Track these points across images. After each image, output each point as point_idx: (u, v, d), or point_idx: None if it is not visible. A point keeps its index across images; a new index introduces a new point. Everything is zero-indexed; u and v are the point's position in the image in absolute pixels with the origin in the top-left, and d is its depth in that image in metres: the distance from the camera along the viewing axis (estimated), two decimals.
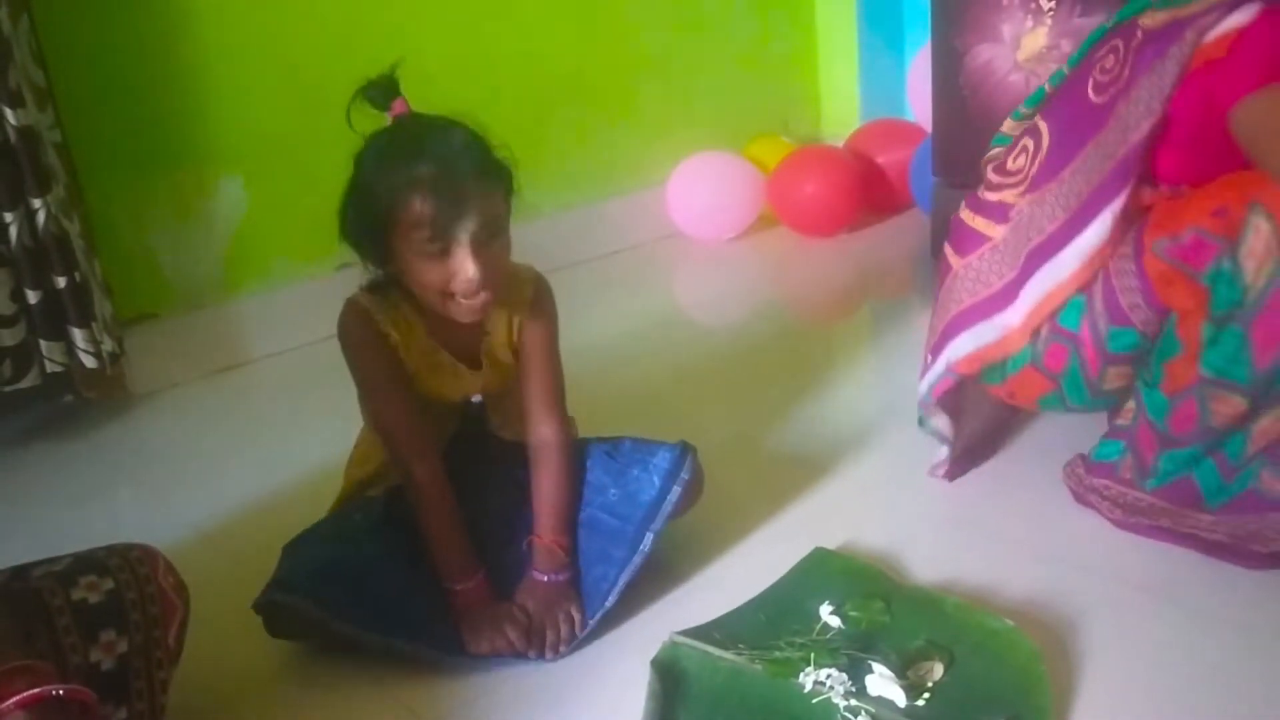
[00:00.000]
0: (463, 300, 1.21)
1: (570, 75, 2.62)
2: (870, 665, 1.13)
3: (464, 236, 1.17)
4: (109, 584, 1.05)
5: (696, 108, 2.88)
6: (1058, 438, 1.59)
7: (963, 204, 1.52)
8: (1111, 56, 1.35)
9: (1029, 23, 2.07)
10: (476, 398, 1.37)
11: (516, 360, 1.35)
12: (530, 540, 1.32)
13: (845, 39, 3.03)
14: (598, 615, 1.27)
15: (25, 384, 1.88)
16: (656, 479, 1.34)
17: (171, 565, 1.12)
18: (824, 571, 1.32)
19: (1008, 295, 1.38)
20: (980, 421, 1.62)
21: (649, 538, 1.30)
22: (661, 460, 1.35)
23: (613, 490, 1.36)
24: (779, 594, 1.29)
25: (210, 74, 2.14)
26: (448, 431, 1.39)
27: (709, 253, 2.76)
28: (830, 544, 1.38)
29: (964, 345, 1.42)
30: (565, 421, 1.37)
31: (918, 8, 2.85)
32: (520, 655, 1.24)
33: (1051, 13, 2.03)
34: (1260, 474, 1.27)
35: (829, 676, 1.11)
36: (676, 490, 1.33)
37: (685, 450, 1.36)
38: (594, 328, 2.24)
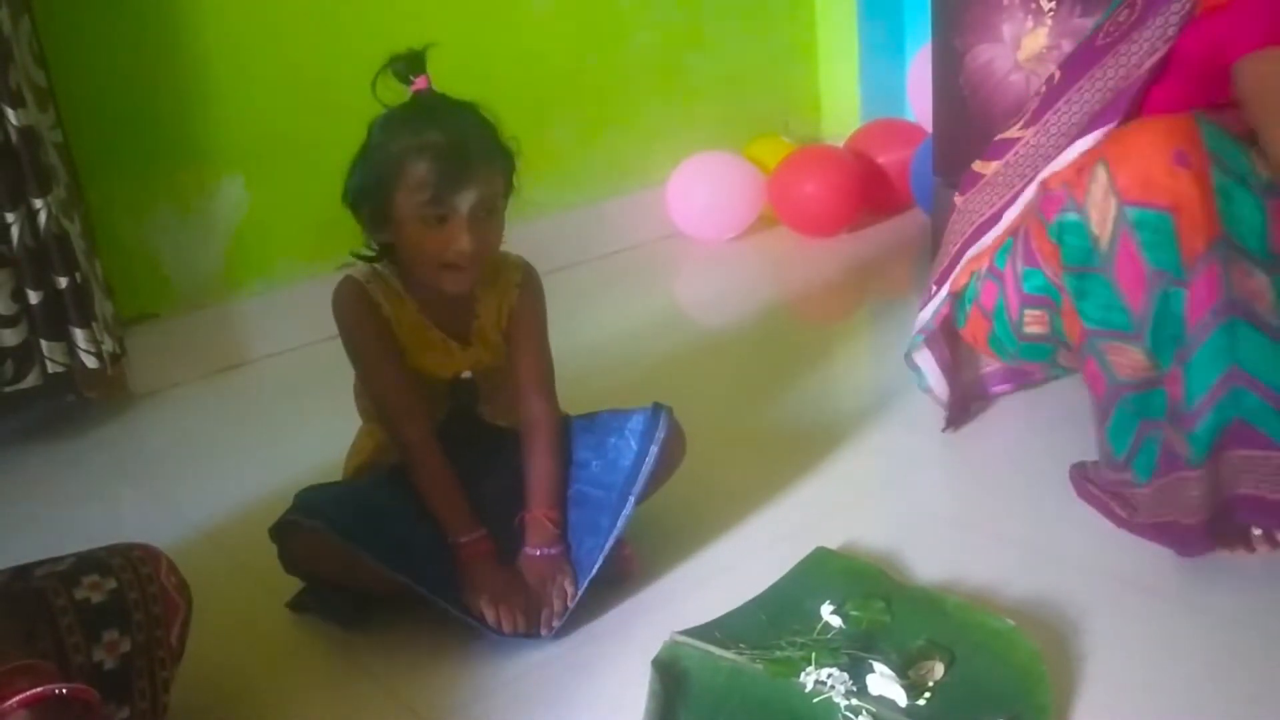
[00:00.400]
0: (454, 271, 1.26)
1: (570, 75, 2.63)
2: (871, 665, 1.13)
3: (463, 207, 1.23)
4: (111, 584, 1.05)
5: (696, 108, 2.88)
6: (1060, 439, 1.59)
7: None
8: (1126, 10, 1.40)
9: (1029, 23, 2.07)
10: (466, 374, 1.40)
11: (506, 343, 1.39)
12: (522, 516, 1.34)
13: (846, 39, 3.03)
14: (585, 582, 1.29)
15: (27, 384, 1.89)
16: (633, 442, 1.36)
17: (174, 565, 1.13)
18: (825, 571, 1.32)
19: (995, 219, 1.47)
20: (972, 372, 1.71)
21: (630, 501, 1.31)
22: (636, 423, 1.37)
23: (595, 462, 1.39)
24: (780, 593, 1.29)
25: (211, 74, 2.14)
26: (439, 412, 1.41)
27: (709, 253, 2.76)
28: (831, 543, 1.38)
29: (963, 263, 1.52)
30: (554, 400, 1.40)
31: (918, 7, 2.85)
32: (517, 633, 1.25)
33: (1052, 13, 2.03)
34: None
35: (830, 676, 1.11)
36: (654, 450, 1.33)
37: (658, 409, 1.37)
38: (594, 328, 2.24)
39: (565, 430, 1.42)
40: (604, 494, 1.36)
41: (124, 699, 1.05)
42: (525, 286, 1.39)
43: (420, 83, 1.27)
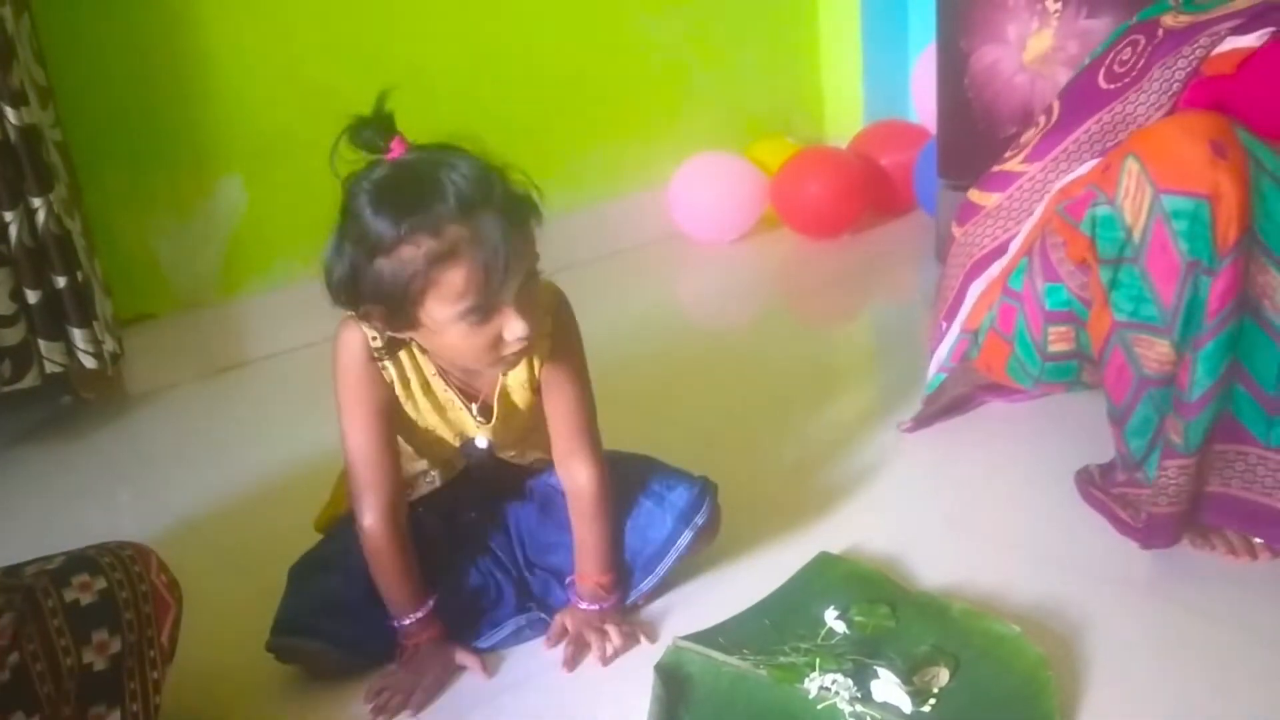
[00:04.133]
0: (510, 357, 1.13)
1: (573, 76, 2.62)
2: (875, 671, 1.12)
3: (509, 296, 1.07)
4: (101, 583, 1.04)
5: (699, 108, 2.87)
6: (1063, 444, 1.58)
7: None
8: (1129, 49, 1.40)
9: (1034, 24, 2.06)
10: (483, 442, 1.26)
11: (538, 396, 1.25)
12: (572, 580, 1.29)
13: (849, 39, 3.02)
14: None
15: (24, 384, 1.88)
16: (669, 519, 1.28)
17: (164, 563, 1.11)
18: (829, 576, 1.31)
19: (1000, 250, 1.49)
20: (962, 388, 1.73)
21: (649, 581, 1.29)
22: (677, 498, 1.29)
23: (624, 522, 1.30)
24: (784, 599, 1.28)
25: (211, 74, 2.13)
26: (454, 468, 1.32)
27: (711, 254, 2.75)
28: (835, 548, 1.37)
29: (971, 298, 1.53)
30: (599, 458, 1.26)
31: (922, 8, 2.84)
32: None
33: (1057, 14, 2.03)
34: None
35: (834, 682, 1.10)
36: (688, 535, 1.28)
37: (704, 491, 1.30)
38: (595, 329, 2.21)
39: (612, 470, 1.30)
40: (628, 557, 1.29)
41: (115, 701, 1.04)
42: (560, 332, 1.22)
43: (397, 148, 1.07)
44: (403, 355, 1.19)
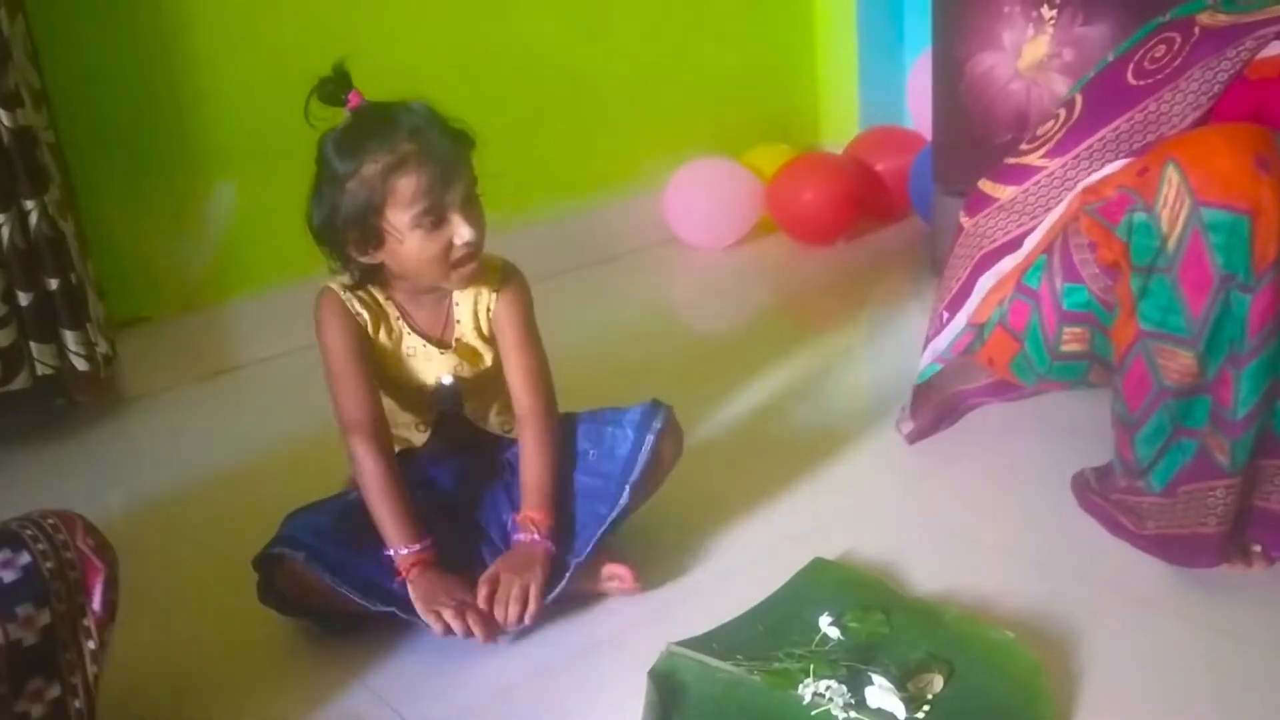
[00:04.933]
0: (462, 265, 1.28)
1: (568, 80, 2.62)
2: (870, 677, 1.11)
3: (455, 202, 1.24)
4: (24, 558, 1.02)
5: (695, 114, 2.87)
6: (1058, 448, 1.58)
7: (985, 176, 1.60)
8: (1163, 47, 1.37)
9: (1030, 31, 2.07)
10: (448, 379, 1.39)
11: (490, 345, 1.38)
12: (513, 517, 1.34)
13: (845, 46, 3.03)
14: (574, 563, 1.29)
15: (14, 386, 1.87)
16: (630, 432, 1.38)
17: (91, 527, 1.10)
18: (823, 582, 1.31)
19: (1014, 244, 1.47)
20: (953, 387, 1.72)
21: (626, 490, 1.33)
22: (633, 415, 1.39)
23: (592, 451, 1.40)
24: (778, 605, 1.28)
25: (205, 78, 2.13)
26: (428, 419, 1.41)
27: (707, 259, 2.75)
28: (829, 554, 1.37)
29: (980, 292, 1.51)
30: (545, 396, 1.38)
31: (918, 15, 2.85)
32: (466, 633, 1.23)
33: (1053, 21, 2.03)
34: None
35: (828, 688, 1.10)
36: (649, 439, 1.36)
37: (656, 404, 1.40)
38: (590, 334, 2.23)
39: (568, 426, 1.41)
40: (602, 483, 1.36)
41: (52, 675, 1.03)
42: (505, 287, 1.37)
43: (354, 99, 1.27)
44: (369, 305, 1.33)
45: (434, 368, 1.38)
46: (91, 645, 1.06)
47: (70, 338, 1.88)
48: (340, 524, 1.32)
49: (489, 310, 1.37)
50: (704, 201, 2.74)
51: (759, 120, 3.00)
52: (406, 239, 1.25)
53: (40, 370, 1.88)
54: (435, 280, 1.31)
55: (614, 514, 1.32)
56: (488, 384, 1.41)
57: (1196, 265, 1.18)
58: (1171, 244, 1.20)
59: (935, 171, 2.34)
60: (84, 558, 1.06)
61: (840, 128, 3.08)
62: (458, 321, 1.37)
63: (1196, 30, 1.34)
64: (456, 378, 1.39)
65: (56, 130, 1.92)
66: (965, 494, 1.55)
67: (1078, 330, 1.40)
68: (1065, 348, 1.43)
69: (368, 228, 1.25)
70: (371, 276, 1.33)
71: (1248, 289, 1.15)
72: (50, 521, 1.06)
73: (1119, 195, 1.27)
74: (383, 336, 1.35)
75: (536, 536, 1.31)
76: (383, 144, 1.22)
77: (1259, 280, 1.15)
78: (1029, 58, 2.08)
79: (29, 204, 1.79)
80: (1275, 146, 1.16)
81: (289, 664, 1.29)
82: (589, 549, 1.30)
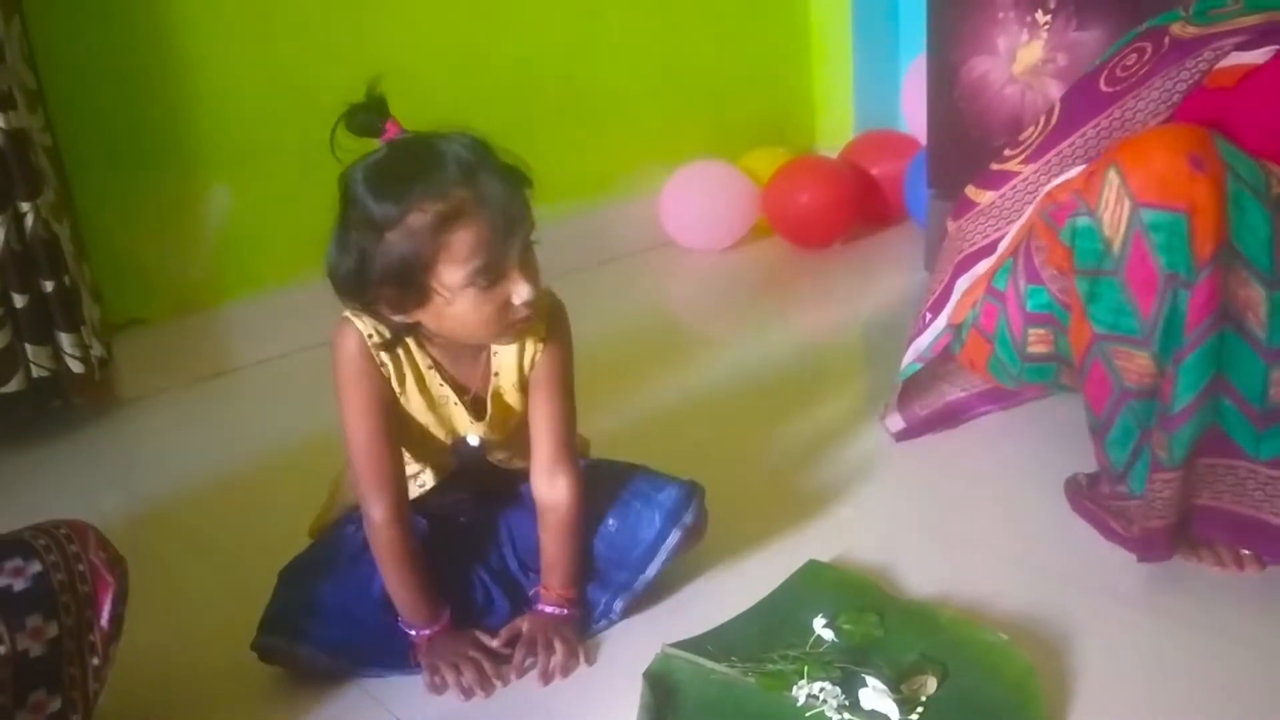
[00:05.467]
0: (520, 323, 1.15)
1: (564, 83, 2.62)
2: (864, 679, 1.12)
3: (516, 254, 1.10)
4: (35, 567, 1.00)
5: (691, 117, 2.87)
6: (1052, 452, 1.58)
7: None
8: (1135, 56, 1.40)
9: (1024, 36, 2.07)
10: (474, 440, 1.27)
11: (524, 396, 1.26)
12: (536, 590, 1.29)
13: (840, 50, 3.03)
14: (587, 636, 1.27)
15: (10, 389, 1.87)
16: (658, 518, 1.28)
17: (104, 539, 1.08)
18: (817, 584, 1.31)
19: (990, 249, 1.49)
20: (954, 392, 1.73)
21: (641, 580, 1.28)
22: (665, 498, 1.29)
23: (613, 522, 1.31)
24: (772, 606, 1.28)
25: (201, 81, 2.13)
26: (447, 465, 1.30)
27: (703, 263, 2.76)
28: (824, 556, 1.37)
29: (957, 293, 1.53)
30: (575, 471, 1.26)
31: (913, 20, 2.85)
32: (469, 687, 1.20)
33: (1047, 26, 2.04)
34: None
35: (822, 690, 1.10)
36: (676, 534, 1.28)
37: (692, 492, 1.30)
38: (586, 337, 2.21)
39: (594, 478, 1.31)
40: (618, 556, 1.30)
41: (55, 688, 1.01)
42: (552, 334, 1.23)
43: (392, 129, 1.11)
44: (399, 350, 1.19)
45: (461, 427, 1.26)
46: (96, 661, 1.04)
47: (66, 340, 1.87)
48: (340, 587, 1.24)
49: (533, 359, 1.23)
50: (700, 205, 2.74)
51: (755, 124, 3.01)
52: (457, 299, 1.10)
53: (36, 372, 1.88)
54: (482, 340, 1.18)
55: (627, 601, 1.29)
56: (516, 437, 1.30)
57: (1142, 266, 1.20)
58: (1116, 246, 1.22)
59: (930, 176, 2.34)
60: (95, 571, 1.04)
61: (836, 132, 3.08)
62: (496, 374, 1.24)
63: (1166, 40, 1.36)
64: (486, 441, 1.28)
65: (53, 132, 1.92)
66: (960, 497, 1.55)
67: (1041, 332, 1.42)
68: (1032, 349, 1.45)
69: (411, 285, 1.09)
70: (406, 333, 1.18)
71: (1189, 285, 1.17)
72: (63, 532, 1.04)
73: (1069, 199, 1.29)
74: (410, 386, 1.21)
75: (564, 611, 1.26)
76: (431, 188, 1.06)
77: (1198, 275, 1.17)
78: (1023, 62, 2.09)
79: (24, 206, 1.79)
80: (1210, 145, 1.18)
81: (281, 674, 1.28)
82: (601, 625, 1.28)
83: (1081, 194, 1.26)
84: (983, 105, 2.17)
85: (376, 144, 1.12)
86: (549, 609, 1.26)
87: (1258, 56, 1.25)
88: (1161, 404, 1.23)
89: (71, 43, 1.98)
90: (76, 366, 1.89)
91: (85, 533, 1.06)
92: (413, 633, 1.23)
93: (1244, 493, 1.26)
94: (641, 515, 1.29)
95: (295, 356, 2.25)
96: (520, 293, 1.11)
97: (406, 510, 1.23)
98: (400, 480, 1.23)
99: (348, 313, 1.18)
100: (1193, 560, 1.31)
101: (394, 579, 1.21)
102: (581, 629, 1.27)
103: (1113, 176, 1.21)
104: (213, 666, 1.29)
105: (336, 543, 1.29)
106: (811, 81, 3.13)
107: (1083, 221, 1.25)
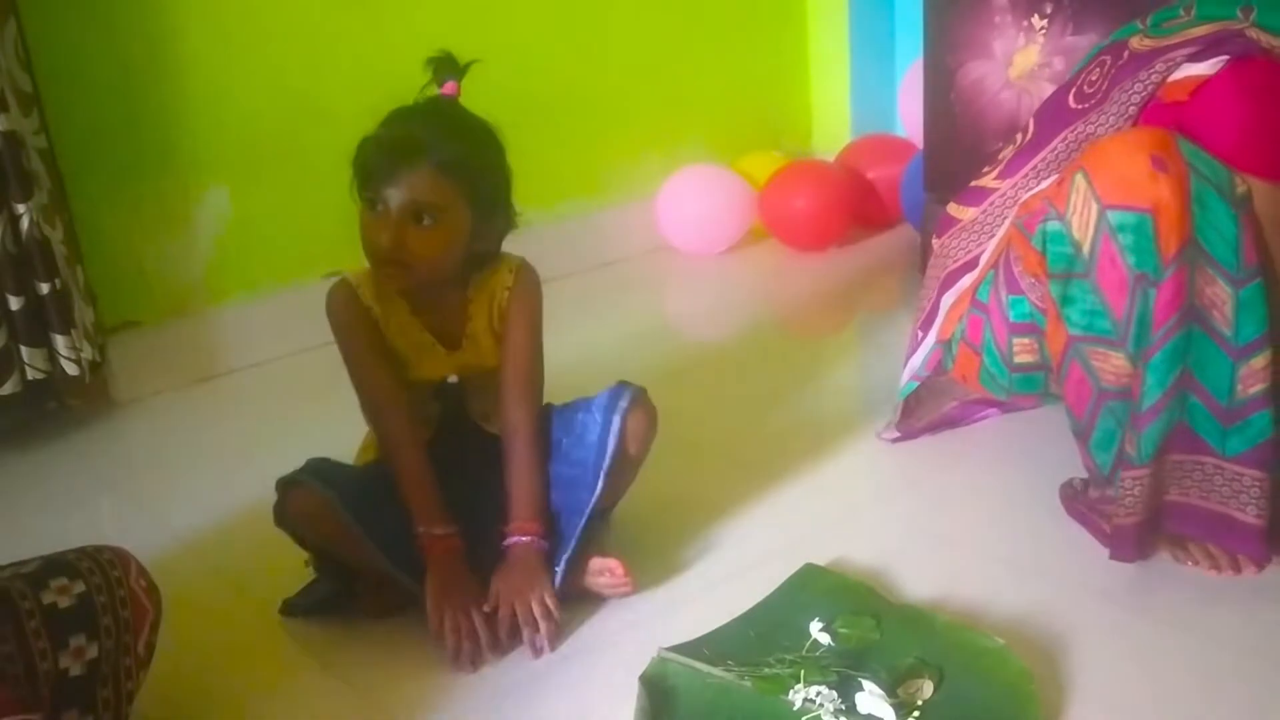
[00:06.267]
0: (384, 267, 1.28)
1: (561, 87, 2.62)
2: (860, 683, 1.12)
3: (392, 202, 1.24)
4: (80, 587, 1.02)
5: (688, 121, 2.88)
6: (1049, 456, 1.58)
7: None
8: (1098, 70, 1.43)
9: (1021, 40, 2.08)
10: (453, 378, 1.40)
11: (496, 344, 1.38)
12: (502, 529, 1.33)
13: (837, 54, 3.04)
14: (564, 562, 1.30)
15: (5, 391, 1.86)
16: (598, 415, 1.37)
17: (143, 568, 1.10)
18: (814, 588, 1.31)
19: (971, 265, 1.52)
20: (951, 400, 1.73)
21: (601, 478, 1.34)
22: (601, 398, 1.39)
23: (565, 440, 1.40)
24: (769, 610, 1.28)
25: (197, 83, 2.13)
26: (430, 414, 1.41)
27: (699, 266, 2.76)
28: (820, 560, 1.37)
29: (944, 309, 1.56)
30: (533, 406, 1.38)
31: (910, 24, 2.86)
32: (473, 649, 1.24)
33: (1043, 31, 2.04)
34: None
35: (818, 694, 1.10)
36: (616, 420, 1.35)
37: (624, 384, 1.40)
38: (583, 340, 2.23)
39: (544, 418, 1.41)
40: (579, 471, 1.36)
41: (87, 708, 1.03)
42: (516, 287, 1.37)
43: (450, 88, 1.30)
44: (381, 298, 1.34)
45: (438, 365, 1.38)
46: (129, 686, 1.07)
47: (61, 342, 1.87)
48: (369, 480, 1.33)
49: (501, 309, 1.37)
50: (696, 208, 2.74)
51: (752, 128, 3.01)
52: (359, 210, 1.28)
53: (31, 374, 1.87)
54: (372, 261, 1.31)
55: (592, 502, 1.32)
56: (492, 384, 1.40)
57: (1112, 267, 1.23)
58: (1086, 249, 1.24)
59: (926, 180, 2.35)
60: (135, 597, 1.07)
61: (832, 136, 3.09)
62: (470, 319, 1.37)
63: (1126, 54, 1.38)
64: (461, 377, 1.40)
65: (48, 135, 1.92)
66: (956, 501, 1.55)
67: (1026, 341, 1.44)
68: (1018, 359, 1.46)
69: (356, 188, 1.29)
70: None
71: (1156, 284, 1.19)
72: (106, 557, 1.07)
73: (1040, 206, 1.31)
74: (394, 329, 1.35)
75: (530, 539, 1.31)
76: (391, 119, 1.27)
77: (1164, 273, 1.19)
78: (1020, 67, 2.10)
79: (19, 208, 1.79)
80: (1173, 145, 1.20)
81: (281, 667, 1.28)
82: (574, 539, 1.31)
83: (1051, 200, 1.28)
84: (979, 109, 2.17)
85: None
86: (518, 539, 1.31)
87: (1207, 68, 1.27)
88: (1131, 401, 1.25)
89: (67, 45, 1.98)
90: (72, 368, 1.89)
91: (127, 560, 1.09)
92: (429, 531, 1.29)
93: (1211, 488, 1.29)
94: (585, 422, 1.39)
95: (290, 359, 2.24)
96: (376, 233, 1.25)
97: (413, 427, 1.35)
98: (403, 401, 1.35)
99: (344, 274, 1.36)
100: (1187, 562, 1.32)
101: (409, 480, 1.31)
102: (550, 559, 1.31)
103: (1080, 181, 1.24)
104: (206, 668, 1.29)
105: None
106: (808, 85, 3.13)
107: (1053, 226, 1.27)
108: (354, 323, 1.34)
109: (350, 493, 1.29)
